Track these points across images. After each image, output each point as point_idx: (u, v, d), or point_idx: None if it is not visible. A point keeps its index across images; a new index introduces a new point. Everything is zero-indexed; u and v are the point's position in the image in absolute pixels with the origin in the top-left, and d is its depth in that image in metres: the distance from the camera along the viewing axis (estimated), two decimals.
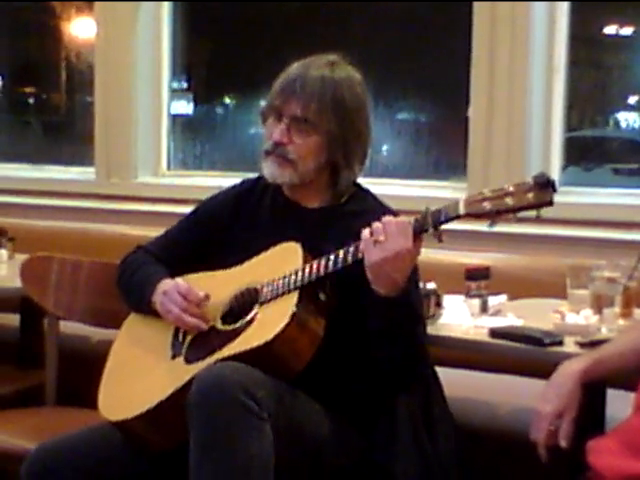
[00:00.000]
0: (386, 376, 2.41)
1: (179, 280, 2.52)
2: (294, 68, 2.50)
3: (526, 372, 3.07)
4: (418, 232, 2.22)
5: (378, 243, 2.22)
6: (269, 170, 2.52)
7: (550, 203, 2.12)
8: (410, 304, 2.31)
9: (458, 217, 2.19)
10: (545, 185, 2.12)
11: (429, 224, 2.20)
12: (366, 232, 2.24)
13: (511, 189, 2.15)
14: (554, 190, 2.13)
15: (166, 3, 4.71)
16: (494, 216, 2.16)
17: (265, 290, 2.40)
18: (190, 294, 2.46)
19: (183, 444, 2.23)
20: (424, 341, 2.41)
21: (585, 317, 2.58)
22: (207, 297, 2.47)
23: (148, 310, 2.57)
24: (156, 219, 3.80)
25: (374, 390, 2.45)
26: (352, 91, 2.51)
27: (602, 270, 2.73)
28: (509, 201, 2.14)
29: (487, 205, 2.16)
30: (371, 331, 2.34)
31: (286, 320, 2.28)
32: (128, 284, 2.67)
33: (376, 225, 2.24)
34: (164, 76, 4.73)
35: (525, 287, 3.17)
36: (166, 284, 2.52)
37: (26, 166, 5.13)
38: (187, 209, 2.77)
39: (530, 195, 2.13)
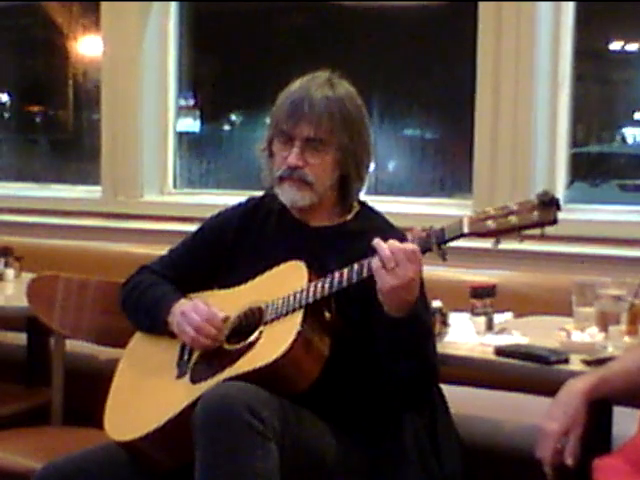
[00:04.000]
0: (400, 394, 2.41)
1: (198, 301, 2.51)
2: (295, 91, 2.51)
3: (532, 390, 3.07)
4: (422, 251, 2.23)
5: (390, 271, 2.21)
6: (287, 195, 2.52)
7: (554, 222, 2.12)
8: (420, 320, 2.32)
9: (462, 236, 2.19)
10: (549, 203, 2.12)
11: (433, 243, 2.20)
12: (376, 261, 2.24)
13: (515, 207, 2.15)
14: (558, 208, 2.12)
15: (172, 20, 4.73)
16: (498, 235, 2.16)
17: (270, 309, 2.40)
18: (211, 317, 2.45)
19: (189, 464, 2.23)
20: (435, 355, 2.41)
21: (591, 335, 2.57)
22: (226, 318, 2.47)
23: (162, 331, 2.56)
24: (162, 237, 3.81)
25: (382, 408, 2.45)
26: (354, 104, 2.54)
27: (608, 287, 2.73)
28: (513, 220, 2.14)
29: (491, 224, 2.16)
30: (383, 352, 2.34)
31: (291, 339, 2.28)
32: (137, 305, 2.66)
33: (385, 254, 2.22)
34: (170, 94, 4.75)
35: (531, 305, 3.17)
36: (183, 304, 2.52)
37: (33, 185, 5.16)
38: (193, 227, 2.77)
39: (534, 214, 2.13)
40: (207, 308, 2.47)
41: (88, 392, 2.77)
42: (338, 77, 2.55)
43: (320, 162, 2.48)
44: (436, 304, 2.68)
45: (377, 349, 2.35)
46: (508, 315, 2.97)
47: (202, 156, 4.94)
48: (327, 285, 2.33)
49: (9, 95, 5.77)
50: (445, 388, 2.55)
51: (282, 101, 2.52)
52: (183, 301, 2.54)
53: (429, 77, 4.43)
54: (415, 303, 2.27)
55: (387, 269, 2.21)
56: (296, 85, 2.53)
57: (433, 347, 2.41)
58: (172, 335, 2.52)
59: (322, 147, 2.47)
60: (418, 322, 2.30)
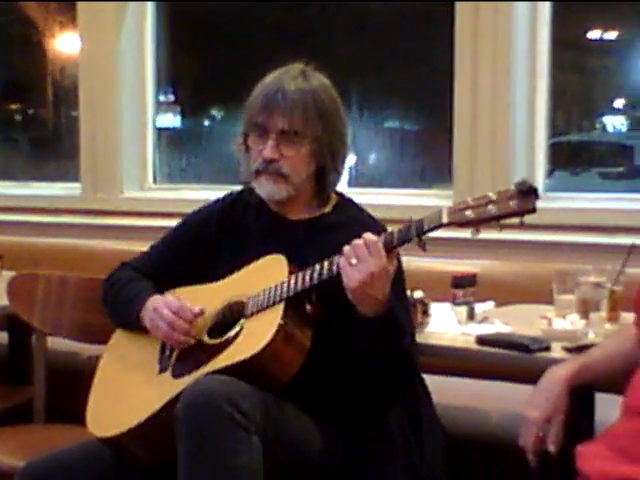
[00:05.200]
0: (375, 390, 2.41)
1: (169, 296, 2.52)
2: (268, 84, 2.50)
3: (514, 378, 3.08)
4: (402, 242, 2.23)
5: (352, 267, 2.22)
6: (264, 189, 2.52)
7: (533, 210, 2.11)
8: (394, 320, 2.31)
9: (441, 226, 2.18)
10: (527, 192, 2.11)
11: (413, 234, 2.20)
12: (342, 259, 2.24)
13: (494, 197, 2.15)
14: (537, 197, 2.12)
15: (149, 16, 4.72)
16: (477, 224, 2.16)
17: (251, 303, 2.40)
18: (181, 311, 2.45)
19: (172, 459, 2.22)
20: (412, 353, 2.41)
21: (572, 322, 2.58)
22: (202, 312, 2.47)
23: (136, 327, 2.56)
24: (143, 233, 3.80)
25: (363, 401, 2.45)
26: (328, 96, 2.53)
27: (588, 275, 2.74)
28: (492, 209, 2.14)
29: (470, 213, 2.16)
30: (357, 349, 2.34)
31: (272, 332, 2.28)
32: (115, 301, 2.66)
33: (347, 249, 2.24)
34: (149, 90, 4.74)
35: (512, 293, 3.18)
36: (155, 300, 2.52)
37: (12, 183, 5.15)
38: (174, 223, 2.77)
39: (513, 203, 2.12)
40: (177, 302, 2.47)
41: (70, 389, 2.77)
42: (312, 69, 2.55)
43: (295, 154, 2.47)
44: (417, 294, 2.68)
45: (354, 346, 2.35)
46: (489, 304, 2.98)
47: (182, 151, 4.94)
48: (307, 278, 2.33)
49: None
50: (427, 378, 2.55)
51: (256, 94, 2.51)
52: (155, 297, 2.53)
53: (408, 69, 4.43)
54: (386, 302, 2.26)
55: (349, 264, 2.22)
56: (269, 78, 2.52)
57: (407, 346, 2.38)
58: (147, 331, 2.52)
59: (297, 139, 2.47)
60: (391, 322, 2.29)
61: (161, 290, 2.59)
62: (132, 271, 2.69)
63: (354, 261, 2.22)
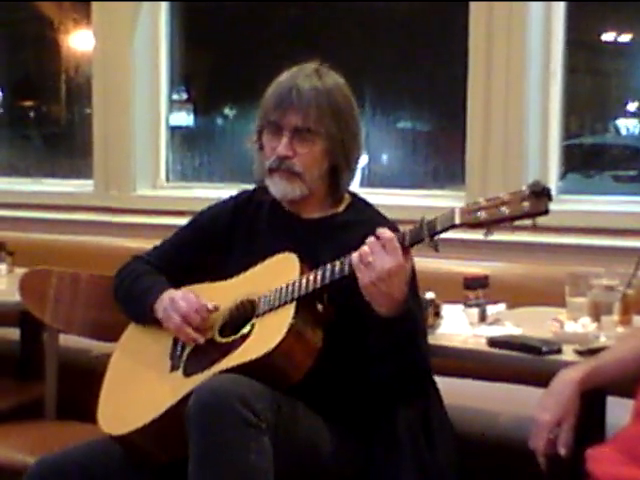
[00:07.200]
0: (387, 391, 2.41)
1: (188, 291, 2.52)
2: (282, 82, 2.51)
3: (525, 381, 3.07)
4: (413, 243, 2.23)
5: (368, 264, 2.22)
6: (277, 188, 2.52)
7: (546, 212, 2.11)
8: (412, 319, 2.31)
9: (453, 227, 2.18)
10: (540, 194, 2.11)
11: (425, 234, 2.20)
12: (355, 255, 2.24)
13: (506, 198, 2.14)
14: (550, 199, 2.12)
15: (163, 14, 4.72)
16: (490, 225, 2.16)
17: (263, 302, 2.40)
18: (199, 307, 2.46)
19: (183, 457, 2.23)
20: (427, 352, 2.41)
21: (583, 325, 2.57)
22: (216, 308, 2.47)
23: (149, 318, 2.57)
24: (155, 231, 3.77)
25: (374, 401, 2.45)
26: (342, 95, 2.54)
27: (600, 278, 2.72)
28: (504, 210, 2.14)
29: (482, 214, 2.15)
30: (373, 349, 2.34)
31: (284, 332, 2.28)
32: (128, 293, 2.66)
33: (362, 248, 2.24)
34: (162, 88, 4.74)
35: (524, 295, 3.17)
36: (173, 292, 2.53)
37: (25, 180, 5.16)
38: (186, 221, 2.77)
39: (525, 204, 2.12)
40: (196, 298, 2.47)
41: (82, 386, 2.77)
42: (327, 68, 2.55)
43: (308, 152, 2.48)
44: (429, 296, 2.68)
45: (369, 350, 2.35)
46: (501, 306, 2.97)
47: (195, 150, 4.94)
48: (319, 277, 2.33)
49: (1, 90, 5.76)
50: (438, 379, 2.55)
51: (270, 92, 2.53)
52: (173, 290, 2.54)
53: (421, 69, 4.43)
54: (405, 301, 2.26)
55: (364, 263, 2.21)
56: (284, 76, 2.53)
57: (423, 346, 2.40)
58: (160, 324, 2.52)
59: (310, 137, 2.47)
60: (409, 321, 2.30)
61: (171, 286, 2.59)
62: (145, 264, 2.70)
63: (370, 259, 2.21)
